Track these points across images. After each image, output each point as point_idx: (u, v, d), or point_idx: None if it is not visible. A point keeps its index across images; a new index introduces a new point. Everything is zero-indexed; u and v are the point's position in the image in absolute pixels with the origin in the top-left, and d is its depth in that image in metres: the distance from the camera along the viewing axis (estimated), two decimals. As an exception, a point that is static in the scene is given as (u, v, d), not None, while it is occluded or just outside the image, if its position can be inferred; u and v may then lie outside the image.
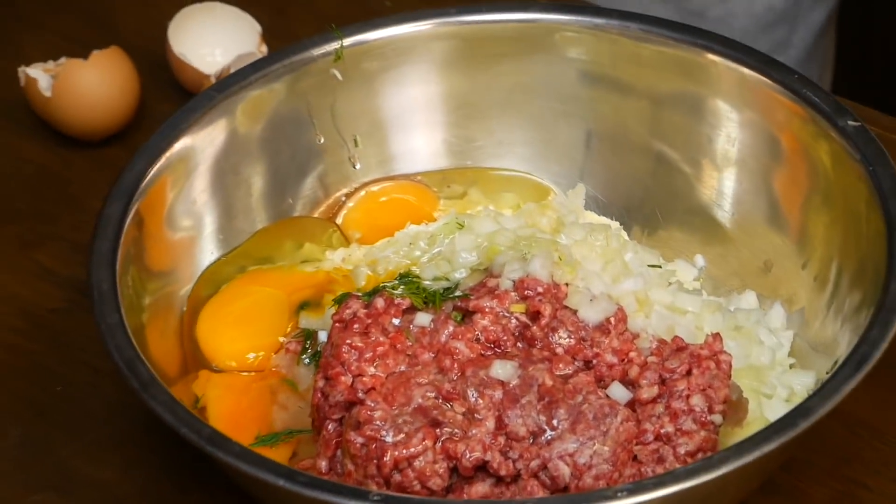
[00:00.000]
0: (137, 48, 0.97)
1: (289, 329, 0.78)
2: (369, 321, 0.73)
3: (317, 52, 0.82)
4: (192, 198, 0.80)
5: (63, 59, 0.93)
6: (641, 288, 0.78)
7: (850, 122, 0.77)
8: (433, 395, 0.69)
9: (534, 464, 0.67)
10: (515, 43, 0.84)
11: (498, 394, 0.69)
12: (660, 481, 0.61)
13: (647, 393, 0.68)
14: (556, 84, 0.85)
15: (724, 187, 0.83)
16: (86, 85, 0.91)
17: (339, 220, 0.83)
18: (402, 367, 0.71)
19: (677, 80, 0.83)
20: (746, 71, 0.80)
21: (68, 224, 0.89)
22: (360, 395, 0.69)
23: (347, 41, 0.83)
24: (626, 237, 0.83)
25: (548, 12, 0.84)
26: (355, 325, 0.73)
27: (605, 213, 0.85)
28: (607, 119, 0.85)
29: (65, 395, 0.80)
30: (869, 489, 0.73)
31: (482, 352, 0.72)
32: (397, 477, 0.66)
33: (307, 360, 0.76)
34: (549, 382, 0.69)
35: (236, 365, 0.77)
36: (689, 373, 0.69)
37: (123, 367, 0.67)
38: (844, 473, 0.73)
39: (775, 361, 0.77)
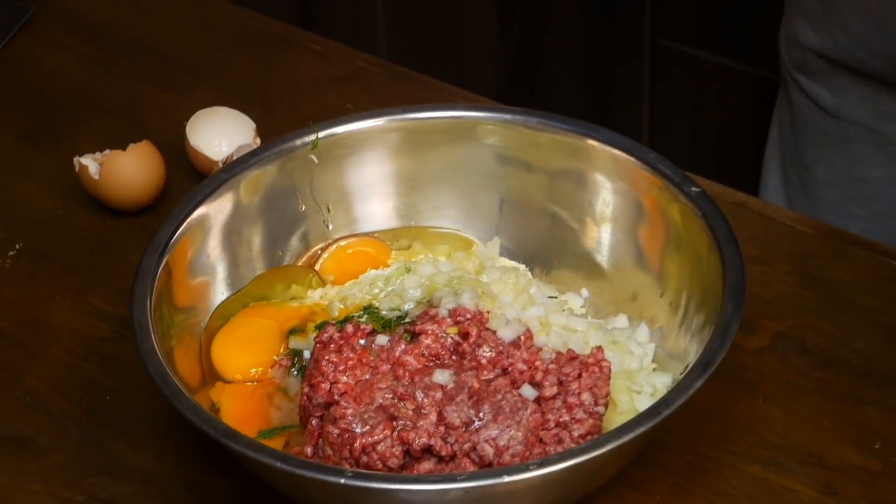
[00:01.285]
0: (163, 141, 0.96)
1: (281, 349, 0.78)
2: (342, 342, 0.74)
3: (298, 142, 0.83)
4: (206, 253, 0.80)
5: (107, 151, 0.92)
6: (543, 314, 0.78)
7: (694, 189, 0.78)
8: (391, 396, 0.70)
9: (466, 446, 0.67)
10: (446, 133, 0.85)
11: (439, 394, 0.69)
12: (560, 457, 0.63)
13: (548, 391, 0.69)
14: (477, 163, 0.85)
15: (602, 238, 0.84)
16: (125, 170, 0.91)
17: (317, 267, 0.83)
18: (367, 376, 0.72)
19: (567, 159, 0.83)
20: (617, 152, 0.81)
21: (114, 274, 0.88)
22: (336, 397, 0.70)
23: (322, 134, 0.83)
24: (530, 276, 0.83)
25: (470, 111, 0.85)
26: (331, 346, 0.73)
27: (514, 258, 0.85)
28: (515, 189, 0.85)
29: (112, 402, 0.80)
30: (710, 459, 0.74)
31: (426, 363, 0.73)
32: (364, 458, 0.67)
33: (295, 373, 0.76)
34: (476, 385, 0.70)
35: (242, 377, 0.77)
36: (579, 376, 0.70)
37: (157, 380, 0.67)
38: (694, 448, 0.74)
39: (642, 366, 0.77)
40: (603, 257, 0.84)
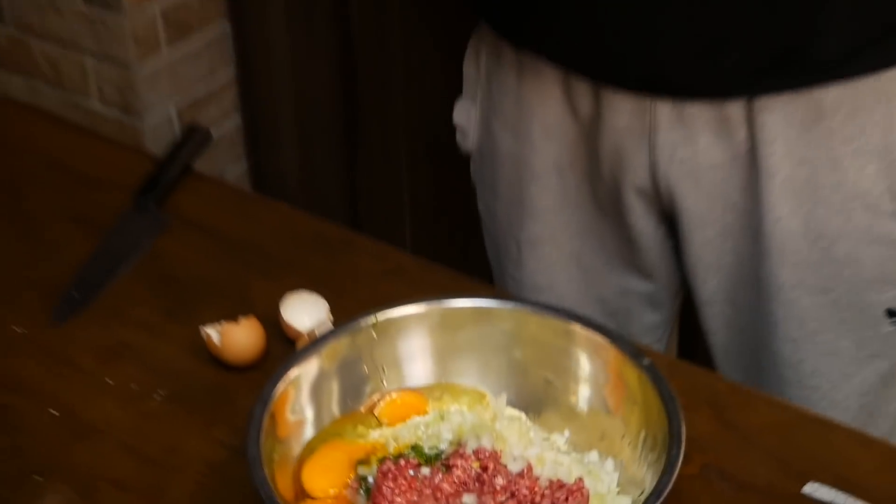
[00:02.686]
0: (264, 316, 0.95)
1: (352, 475, 0.77)
2: (397, 472, 0.74)
3: (362, 322, 0.83)
4: (299, 402, 0.80)
5: (224, 323, 0.93)
6: (539, 452, 0.78)
7: (645, 360, 0.78)
8: (433, 513, 0.71)
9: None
10: (468, 317, 0.84)
11: (467, 513, 0.71)
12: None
13: (545, 511, 0.70)
14: (490, 339, 0.84)
15: (580, 394, 0.83)
16: (237, 337, 0.92)
17: (376, 413, 0.82)
18: (415, 498, 0.72)
19: (555, 337, 0.83)
20: (591, 333, 0.81)
21: (231, 414, 0.87)
22: (394, 514, 0.72)
23: (379, 317, 0.83)
24: (529, 423, 0.83)
25: (485, 301, 0.85)
26: (389, 475, 0.73)
27: (516, 407, 0.84)
28: (517, 358, 0.85)
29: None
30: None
31: (457, 489, 0.73)
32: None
33: (363, 493, 0.75)
34: (494, 506, 0.71)
35: (323, 495, 0.76)
36: (566, 499, 0.71)
37: (265, 496, 0.68)
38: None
39: (609, 490, 0.77)
40: (580, 408, 0.83)
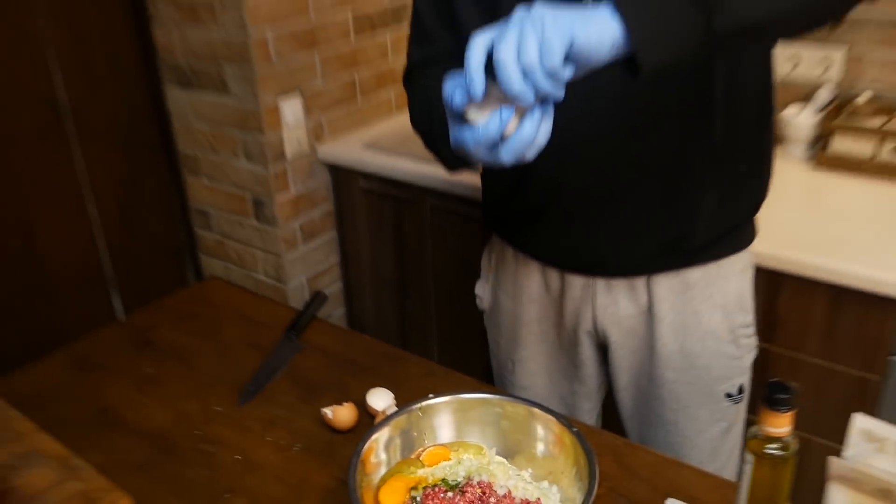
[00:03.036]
0: (358, 402, 0.94)
1: (408, 496, 0.75)
2: (433, 494, 0.74)
3: (414, 406, 0.82)
4: (377, 453, 0.80)
5: (334, 406, 0.92)
6: (515, 482, 0.78)
7: (574, 428, 0.78)
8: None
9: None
10: (477, 403, 0.82)
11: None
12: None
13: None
14: (487, 415, 0.82)
15: (537, 447, 0.81)
16: (342, 415, 0.92)
17: (421, 459, 0.80)
18: None
19: (525, 413, 0.81)
20: (544, 413, 0.80)
21: (340, 457, 0.86)
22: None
23: (423, 403, 0.82)
24: (509, 465, 0.81)
25: (485, 394, 0.84)
26: (429, 496, 0.73)
27: (501, 455, 0.82)
28: (503, 426, 0.82)
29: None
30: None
31: None
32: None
33: None
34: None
35: None
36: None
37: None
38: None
39: None
40: (538, 455, 0.82)
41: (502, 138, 0.57)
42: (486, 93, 0.55)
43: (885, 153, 1.31)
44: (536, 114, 0.56)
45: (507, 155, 0.58)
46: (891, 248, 1.13)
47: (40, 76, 1.61)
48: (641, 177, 0.81)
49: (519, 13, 0.52)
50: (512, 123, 0.57)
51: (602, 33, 0.52)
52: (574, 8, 0.53)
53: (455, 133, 0.59)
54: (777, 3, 0.55)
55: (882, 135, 1.34)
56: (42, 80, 1.61)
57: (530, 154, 0.58)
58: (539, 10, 0.52)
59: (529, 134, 0.56)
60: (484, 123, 0.56)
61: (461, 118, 0.58)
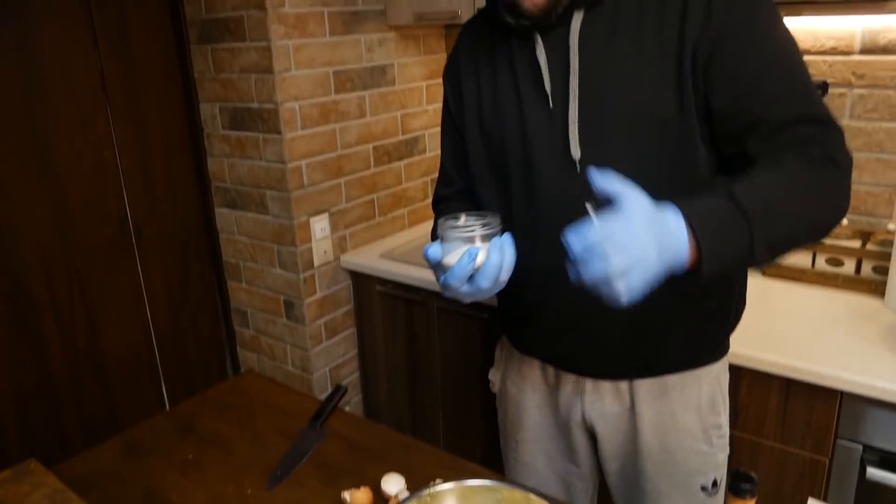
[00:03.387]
0: (373, 486, 0.91)
1: None
2: None
3: (423, 492, 0.78)
4: None
5: (352, 489, 0.90)
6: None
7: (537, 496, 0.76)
8: None
9: None
10: (479, 489, 0.77)
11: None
12: None
13: None
14: (489, 501, 0.78)
15: None
16: (359, 498, 0.89)
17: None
18: None
19: (523, 500, 0.76)
20: (538, 498, 0.75)
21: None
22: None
23: (431, 488, 0.79)
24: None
25: (487, 480, 0.79)
26: None
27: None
28: (501, 498, 0.75)
29: None
30: None
31: None
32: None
33: None
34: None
35: None
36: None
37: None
38: None
39: None
40: None
41: (476, 270, 0.63)
42: (452, 239, 0.57)
43: (820, 264, 1.46)
44: (498, 243, 0.63)
45: (484, 281, 0.63)
46: (830, 345, 1.16)
47: (113, 198, 1.68)
48: (611, 310, 0.86)
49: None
50: (481, 256, 0.60)
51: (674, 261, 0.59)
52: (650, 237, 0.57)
53: (440, 281, 0.67)
54: (801, 227, 0.64)
55: (816, 249, 1.47)
56: (115, 201, 1.68)
57: (503, 276, 0.64)
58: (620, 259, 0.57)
59: (496, 260, 0.62)
60: (457, 262, 0.63)
61: (440, 266, 0.65)
